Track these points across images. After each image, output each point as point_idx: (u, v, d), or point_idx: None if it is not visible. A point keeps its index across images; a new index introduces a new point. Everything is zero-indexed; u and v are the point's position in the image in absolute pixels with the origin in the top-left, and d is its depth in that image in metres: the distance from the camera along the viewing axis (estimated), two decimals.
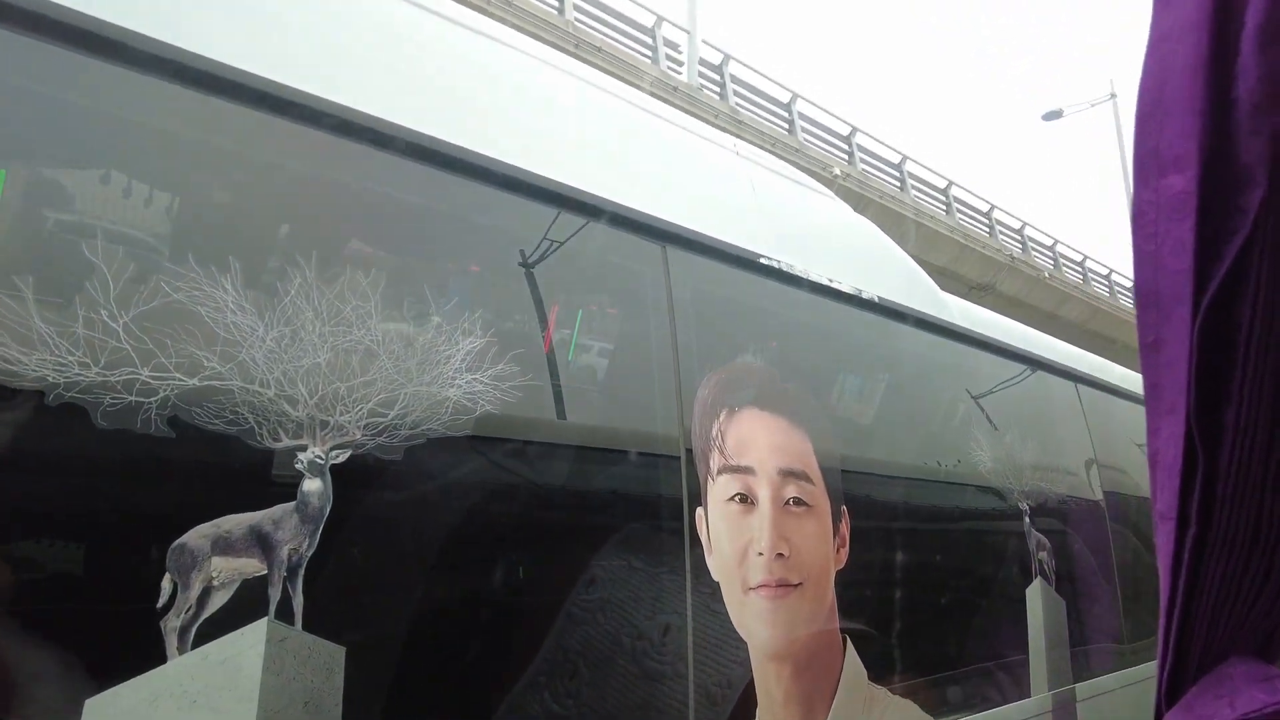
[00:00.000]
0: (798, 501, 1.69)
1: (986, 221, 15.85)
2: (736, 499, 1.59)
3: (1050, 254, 16.86)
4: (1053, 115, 21.12)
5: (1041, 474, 2.65)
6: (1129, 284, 18.44)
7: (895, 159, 14.48)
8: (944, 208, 15.06)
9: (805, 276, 1.90)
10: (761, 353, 1.77)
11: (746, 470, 1.62)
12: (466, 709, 1.16)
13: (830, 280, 1.98)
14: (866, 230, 2.41)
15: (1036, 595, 2.41)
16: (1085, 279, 17.15)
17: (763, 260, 1.81)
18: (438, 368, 1.21)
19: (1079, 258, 17.64)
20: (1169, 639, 0.65)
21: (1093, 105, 19.13)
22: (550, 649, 1.27)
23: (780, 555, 1.62)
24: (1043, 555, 2.48)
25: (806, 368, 1.88)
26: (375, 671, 1.07)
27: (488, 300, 1.31)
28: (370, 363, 1.14)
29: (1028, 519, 2.47)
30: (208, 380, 1.00)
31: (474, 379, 1.24)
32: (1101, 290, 17.60)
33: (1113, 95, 18.88)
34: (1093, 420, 3.06)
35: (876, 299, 2.11)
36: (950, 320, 2.42)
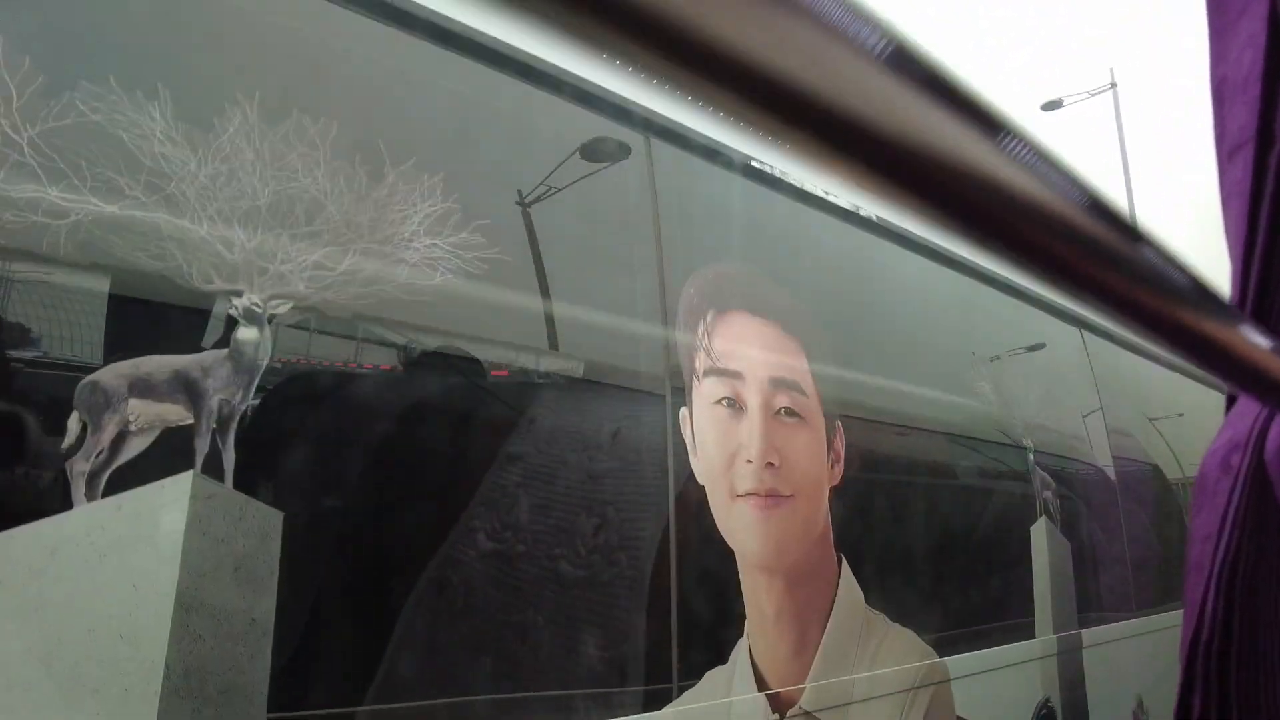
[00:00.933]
0: (789, 412, 1.59)
1: None
2: (724, 403, 1.49)
3: None
4: (1052, 105, 21.01)
5: (1047, 413, 2.55)
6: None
7: None
8: None
9: (799, 184, 1.80)
10: (752, 255, 1.67)
11: (735, 375, 1.52)
12: (414, 588, 1.06)
13: (826, 193, 1.87)
14: None
15: (1041, 535, 2.31)
16: None
17: (755, 163, 1.71)
18: (392, 227, 1.11)
19: None
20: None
21: (1092, 95, 19.03)
22: (493, 527, 1.16)
23: (770, 465, 1.52)
24: (1048, 494, 2.38)
25: (800, 279, 1.78)
26: (313, 543, 0.97)
27: (453, 164, 1.20)
28: (316, 213, 1.04)
29: (1032, 456, 2.37)
30: (128, 210, 0.90)
31: (433, 244, 1.14)
32: None
33: (1113, 85, 18.77)
34: (1099, 369, 2.96)
35: (875, 217, 2.01)
36: (956, 247, 2.32)
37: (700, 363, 1.47)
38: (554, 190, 1.35)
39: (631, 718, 1.21)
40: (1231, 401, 0.61)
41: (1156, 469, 3.30)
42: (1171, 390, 3.41)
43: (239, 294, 0.95)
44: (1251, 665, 0.54)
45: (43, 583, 0.78)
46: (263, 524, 0.91)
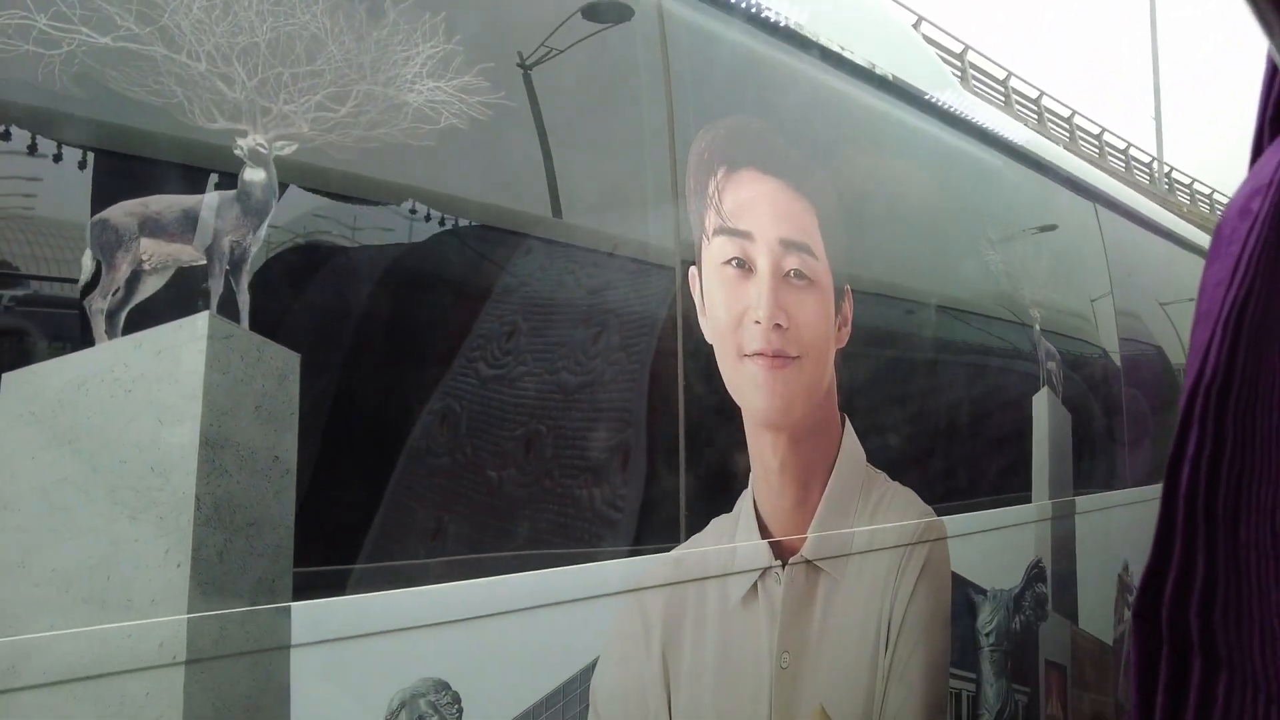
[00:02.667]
0: (799, 274, 1.58)
1: (1036, 109, 15.10)
2: (733, 263, 1.48)
3: (1066, 126, 16.21)
4: None
5: (1054, 287, 2.54)
6: (1146, 159, 17.82)
7: (957, 49, 13.49)
8: (1003, 99, 14.26)
9: (815, 39, 1.73)
10: (763, 113, 1.62)
11: (745, 235, 1.51)
12: (428, 440, 1.09)
13: (841, 49, 1.80)
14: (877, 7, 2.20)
15: (1043, 403, 2.35)
16: (1101, 153, 16.56)
17: (767, 13, 1.63)
18: (395, 69, 1.07)
19: (1097, 130, 16.99)
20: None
21: None
22: (509, 387, 1.19)
23: (778, 326, 1.53)
24: (1051, 365, 2.41)
25: (812, 139, 1.73)
26: (330, 386, 0.99)
27: (455, 3, 1.15)
28: (318, 51, 1.00)
29: (1037, 327, 2.38)
30: (121, 42, 0.87)
31: (437, 87, 1.11)
32: (1117, 165, 17.05)
33: None
34: (1110, 243, 2.92)
35: (890, 76, 1.94)
36: (968, 113, 2.25)
37: (710, 221, 1.45)
38: (555, 52, 1.30)
39: (642, 557, 1.27)
40: (1256, 155, 0.60)
41: (1161, 352, 3.31)
42: (1188, 274, 3.39)
43: (244, 134, 0.93)
44: (1249, 404, 0.54)
45: (74, 415, 0.80)
46: (281, 365, 0.93)
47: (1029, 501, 2.27)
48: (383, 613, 0.98)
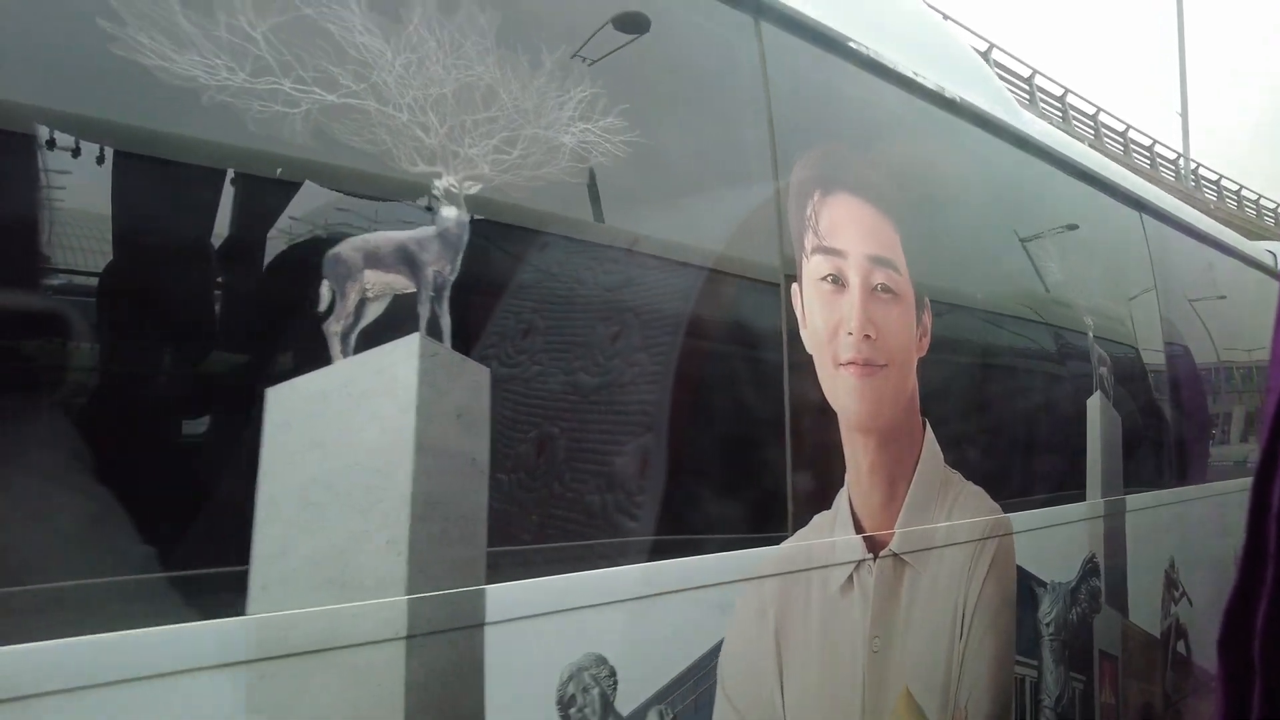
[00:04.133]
0: (885, 289, 1.70)
1: (1061, 106, 15.10)
2: (829, 279, 1.60)
3: (1091, 124, 16.17)
4: None
5: (1105, 295, 2.64)
6: (1172, 156, 17.74)
7: (982, 47, 13.53)
8: (1028, 97, 14.27)
9: (895, 68, 1.84)
10: (851, 140, 1.74)
11: (838, 253, 1.63)
12: (583, 449, 1.22)
13: (920, 75, 1.91)
14: (941, 27, 2.31)
15: (1095, 406, 2.45)
16: (1126, 150, 16.52)
17: (853, 45, 1.75)
18: (553, 113, 1.20)
19: (1122, 127, 16.93)
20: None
21: None
22: (650, 398, 1.31)
23: (868, 337, 1.65)
24: (1103, 370, 2.51)
25: (893, 163, 1.85)
26: (514, 400, 1.12)
27: (595, 51, 1.28)
28: (492, 100, 1.13)
29: (1091, 334, 2.49)
30: (344, 98, 1.00)
31: (586, 129, 1.23)
32: (1142, 162, 16.99)
33: None
34: (1155, 250, 3.02)
35: (958, 99, 2.05)
36: (1028, 132, 2.36)
37: (809, 241, 1.57)
38: (679, 93, 1.42)
39: (758, 549, 1.40)
40: None
41: (1190, 354, 3.40)
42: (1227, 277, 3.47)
43: (439, 176, 1.06)
44: None
45: (319, 424, 0.94)
46: (476, 378, 1.06)
47: (1083, 500, 2.38)
48: (555, 594, 1.11)
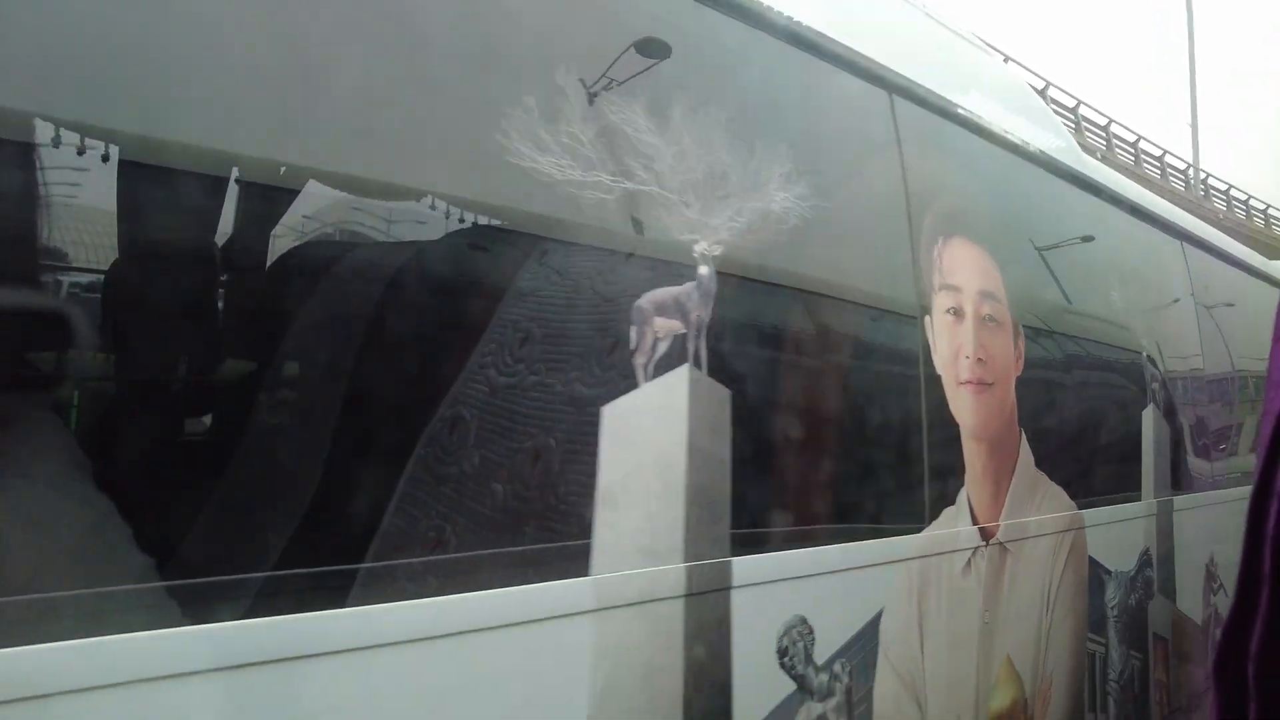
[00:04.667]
0: (991, 318, 2.02)
1: (1074, 118, 15.42)
2: (950, 311, 1.92)
3: (1103, 135, 16.49)
4: None
5: (1156, 318, 2.96)
6: (1182, 166, 18.08)
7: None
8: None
9: (996, 130, 2.16)
10: (964, 192, 2.05)
11: (957, 289, 1.94)
12: (793, 456, 1.53)
13: (1008, 132, 2.23)
14: (1022, 87, 2.63)
15: (1149, 417, 2.77)
16: (1137, 160, 16.83)
17: (962, 111, 2.06)
18: (761, 187, 1.51)
19: (1132, 139, 17.26)
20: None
21: None
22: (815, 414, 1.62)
23: (980, 360, 1.96)
24: (1155, 385, 2.82)
25: (995, 210, 2.16)
26: (752, 418, 1.43)
27: (785, 127, 1.59)
28: (726, 180, 1.44)
29: (1145, 354, 2.80)
30: (639, 186, 1.31)
31: (784, 196, 1.55)
32: (1152, 172, 17.30)
33: None
34: (1195, 275, 3.33)
35: (1042, 153, 2.36)
36: (1093, 176, 2.68)
37: (936, 280, 1.89)
38: (846, 160, 1.74)
39: (905, 537, 1.71)
40: None
41: (1227, 370, 3.71)
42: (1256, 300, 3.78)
43: (697, 241, 1.37)
44: None
45: (637, 433, 1.25)
46: (722, 397, 1.37)
47: (1139, 499, 2.69)
48: (775, 567, 1.42)
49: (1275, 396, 0.52)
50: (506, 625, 1.09)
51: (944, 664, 1.79)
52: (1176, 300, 3.21)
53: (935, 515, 1.80)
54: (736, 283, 1.47)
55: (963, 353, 1.92)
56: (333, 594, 0.94)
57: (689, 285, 1.36)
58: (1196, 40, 17.52)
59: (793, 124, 1.63)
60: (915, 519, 1.75)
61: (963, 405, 1.90)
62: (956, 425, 1.88)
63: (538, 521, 1.16)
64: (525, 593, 1.11)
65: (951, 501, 1.85)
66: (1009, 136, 2.26)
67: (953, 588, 1.83)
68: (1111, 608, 2.47)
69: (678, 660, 1.27)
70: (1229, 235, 4.26)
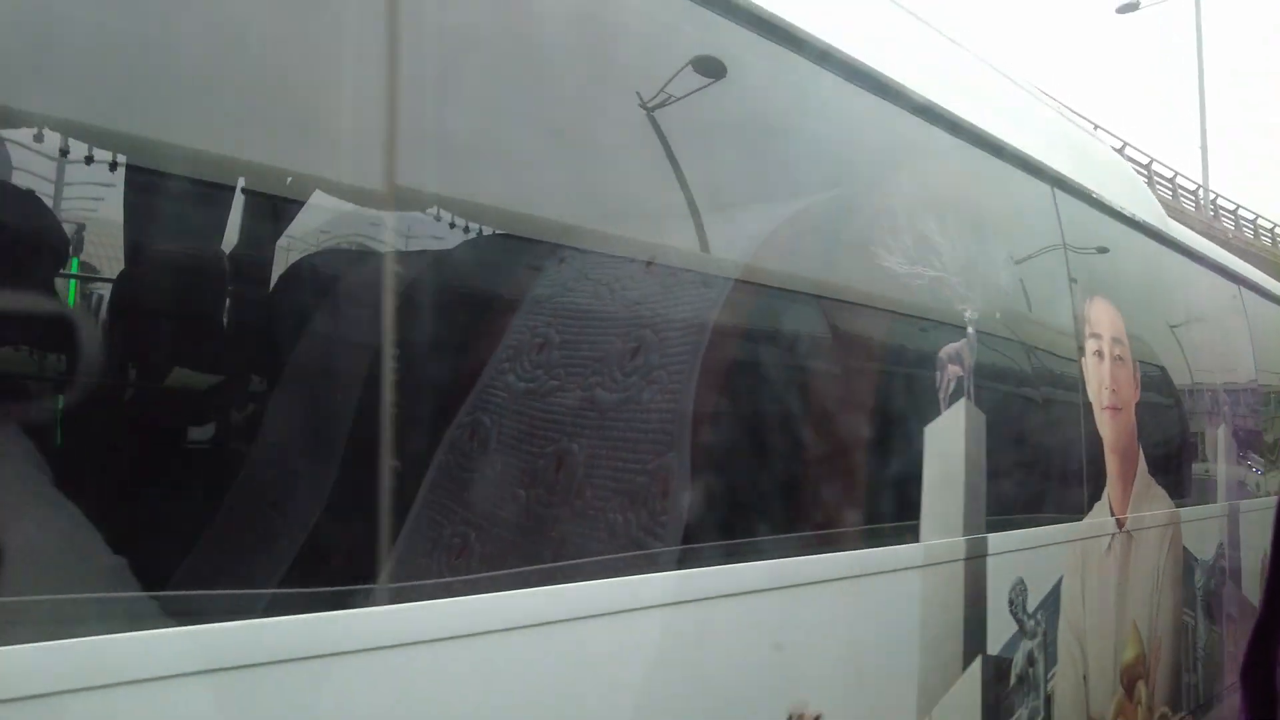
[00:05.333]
0: (1119, 358, 2.61)
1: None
2: (1095, 353, 2.51)
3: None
4: (1128, 9, 20.55)
5: (1226, 355, 3.56)
6: (1192, 188, 18.77)
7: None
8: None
9: (1121, 211, 2.75)
10: (1101, 263, 2.65)
11: (1098, 336, 2.53)
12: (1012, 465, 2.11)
13: (1123, 208, 2.82)
14: (1125, 166, 3.23)
15: (1221, 434, 3.36)
16: (1150, 182, 17.48)
17: (1095, 194, 2.65)
18: (993, 270, 2.10)
19: (1145, 160, 17.94)
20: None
21: None
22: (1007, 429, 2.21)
23: (1114, 390, 2.55)
24: (1225, 409, 3.42)
25: (1120, 276, 2.76)
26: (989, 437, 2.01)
27: (1003, 226, 2.18)
28: (974, 261, 2.03)
29: (1219, 382, 3.40)
30: (932, 272, 1.89)
31: (1004, 275, 2.13)
32: (1164, 193, 17.96)
33: None
34: (1250, 315, 3.93)
35: (1145, 221, 2.96)
36: (1176, 236, 3.28)
37: (1087, 329, 2.48)
38: (1020, 243, 2.32)
39: (1074, 523, 2.30)
40: None
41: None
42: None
43: (966, 311, 1.95)
44: None
45: (940, 448, 1.83)
46: (981, 420, 1.95)
47: (1216, 502, 3.28)
48: (1003, 543, 2.00)
49: None
50: (870, 574, 1.67)
51: (1095, 621, 2.37)
52: (1236, 336, 3.81)
53: (1090, 508, 2.38)
54: (983, 338, 2.06)
55: (1104, 385, 2.51)
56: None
57: (963, 342, 1.95)
58: (1205, 62, 17.99)
59: (1006, 220, 2.22)
60: (1078, 511, 2.34)
61: (1105, 425, 2.49)
62: (1100, 440, 2.47)
63: (891, 505, 1.74)
64: (885, 553, 1.69)
65: (1099, 498, 2.44)
66: (1125, 212, 2.85)
67: (1100, 564, 2.41)
68: (1198, 588, 3.06)
69: (959, 603, 1.85)
70: (1238, 253, 4.88)
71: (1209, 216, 17.24)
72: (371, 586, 0.93)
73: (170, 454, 1.10)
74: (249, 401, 1.09)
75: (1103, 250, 2.69)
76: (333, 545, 0.97)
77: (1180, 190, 18.12)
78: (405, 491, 1.00)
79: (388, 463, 0.95)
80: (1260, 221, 19.12)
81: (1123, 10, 19.70)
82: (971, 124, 2.06)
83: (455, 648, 0.95)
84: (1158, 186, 17.48)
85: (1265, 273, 5.04)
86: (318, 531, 0.95)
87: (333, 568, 0.96)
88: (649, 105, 1.37)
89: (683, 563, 1.25)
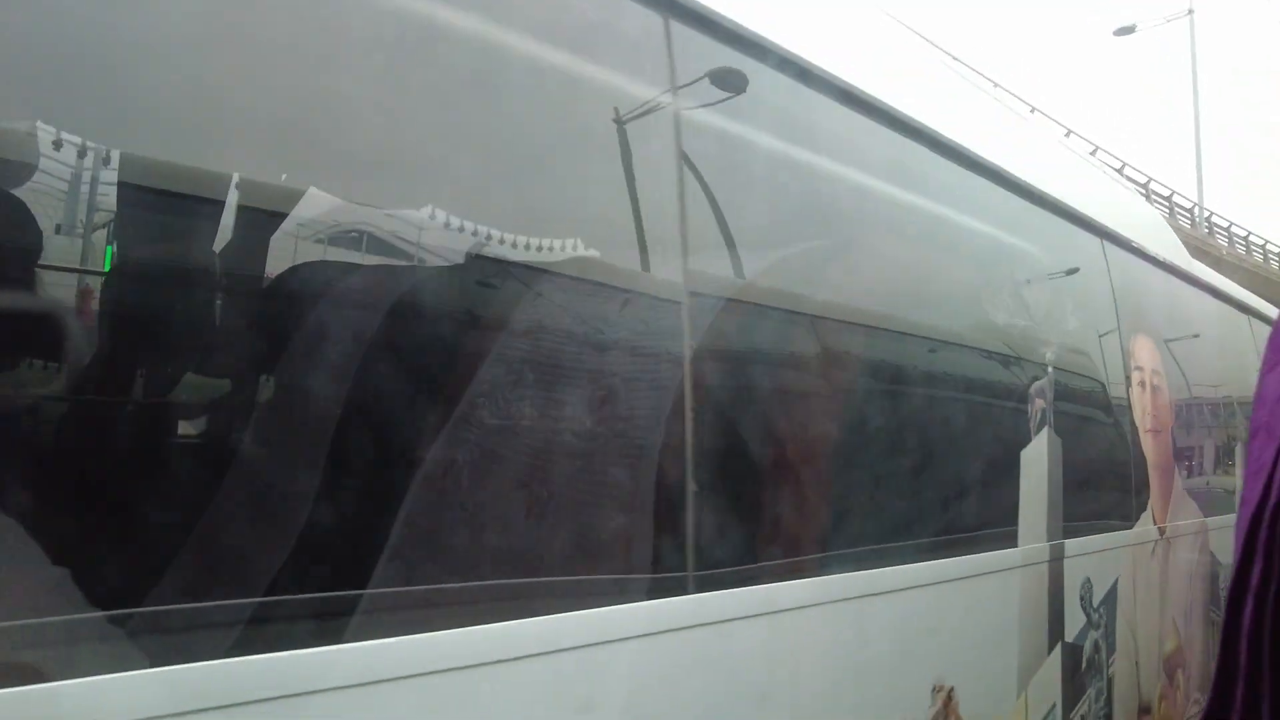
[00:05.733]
0: (1156, 386, 3.00)
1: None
2: (1140, 383, 2.89)
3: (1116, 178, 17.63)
4: (1125, 31, 21.05)
5: (1244, 385, 3.96)
6: (1187, 205, 19.30)
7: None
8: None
9: (1150, 253, 3.14)
10: (1140, 304, 3.04)
11: (1140, 368, 2.92)
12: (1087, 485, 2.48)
13: (1154, 252, 3.22)
14: (1155, 214, 3.64)
15: (1240, 452, 3.75)
16: (1148, 199, 17.98)
17: (1135, 244, 3.05)
18: (1063, 320, 2.48)
19: (1144, 179, 18.46)
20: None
21: (1168, 21, 19.24)
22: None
23: (1154, 414, 2.94)
24: (1241, 427, 3.81)
25: (1156, 315, 3.15)
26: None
27: (1073, 283, 2.56)
28: (1049, 322, 2.41)
29: (1235, 405, 3.79)
30: (1029, 324, 2.27)
31: (1072, 321, 2.51)
32: (1161, 210, 18.46)
33: (1190, 11, 18.88)
34: (1258, 342, 4.33)
35: (1173, 263, 3.36)
36: (1199, 275, 3.68)
37: (1131, 361, 2.87)
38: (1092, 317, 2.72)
39: (1130, 530, 2.67)
40: None
41: None
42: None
43: (1047, 354, 2.33)
44: None
45: (1030, 470, 2.20)
46: (1059, 444, 2.32)
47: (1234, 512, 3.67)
48: (1078, 548, 2.37)
49: (1253, 495, 0.53)
50: (983, 574, 2.04)
51: (1144, 616, 2.75)
52: (1246, 360, 4.21)
53: (1138, 517, 2.76)
54: (1057, 374, 2.44)
55: (1147, 410, 2.90)
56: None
57: (1045, 379, 2.33)
58: (1200, 83, 18.47)
59: (1070, 274, 2.61)
60: (1128, 519, 2.72)
61: (1148, 444, 2.88)
62: (1144, 458, 2.86)
63: (995, 513, 2.11)
64: (993, 556, 2.06)
65: (1145, 508, 2.82)
66: (1155, 255, 3.24)
67: (1146, 566, 2.79)
68: (1223, 590, 3.44)
69: (1044, 598, 2.22)
70: (1231, 269, 5.29)
71: (1204, 233, 17.76)
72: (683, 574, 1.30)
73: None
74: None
75: (1142, 293, 3.09)
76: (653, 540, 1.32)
77: (1177, 208, 18.62)
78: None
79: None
80: (1252, 238, 19.70)
81: (1120, 33, 20.27)
82: (1064, 202, 2.46)
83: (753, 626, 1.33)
84: (1155, 204, 17.99)
85: (1258, 287, 5.48)
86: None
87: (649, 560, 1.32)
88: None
89: (867, 564, 1.62)
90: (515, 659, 1.05)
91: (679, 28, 1.38)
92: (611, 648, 1.18)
